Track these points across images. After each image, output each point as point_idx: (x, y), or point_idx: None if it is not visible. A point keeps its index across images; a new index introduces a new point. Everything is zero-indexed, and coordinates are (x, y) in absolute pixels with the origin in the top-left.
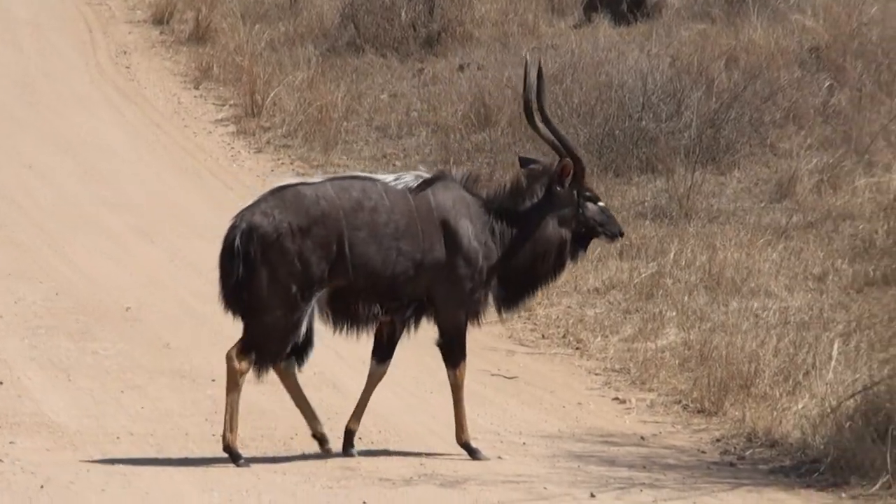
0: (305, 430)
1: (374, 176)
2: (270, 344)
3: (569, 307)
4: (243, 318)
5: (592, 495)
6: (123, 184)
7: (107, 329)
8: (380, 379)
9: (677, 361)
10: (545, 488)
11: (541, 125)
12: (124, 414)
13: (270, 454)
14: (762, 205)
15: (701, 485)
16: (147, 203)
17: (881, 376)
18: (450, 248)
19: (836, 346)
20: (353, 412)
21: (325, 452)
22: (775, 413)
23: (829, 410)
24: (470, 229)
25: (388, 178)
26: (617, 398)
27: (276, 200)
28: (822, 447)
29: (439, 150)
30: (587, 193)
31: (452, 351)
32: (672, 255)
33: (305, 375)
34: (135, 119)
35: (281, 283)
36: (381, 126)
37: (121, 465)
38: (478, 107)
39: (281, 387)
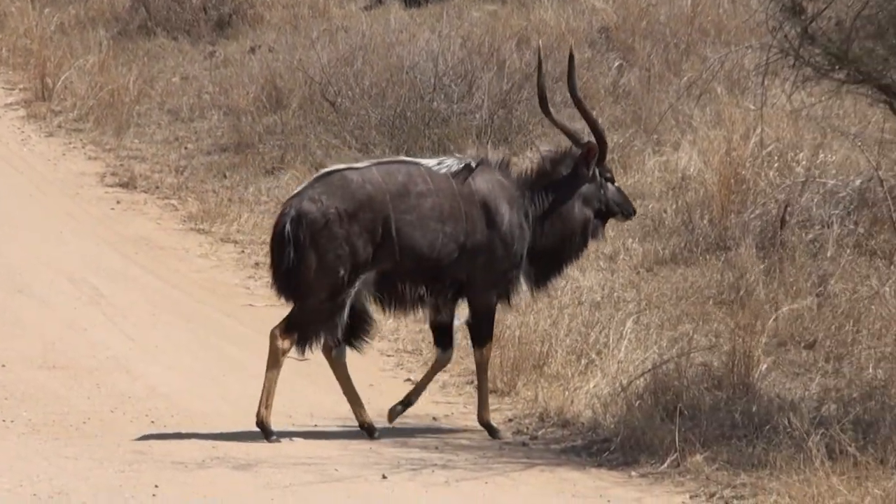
0: (98, 414)
1: (417, 160)
2: (313, 325)
3: None
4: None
5: (385, 477)
6: None
7: None
8: (444, 365)
9: (469, 342)
10: (337, 470)
11: (554, 113)
12: None
13: (62, 438)
14: None
15: (493, 465)
16: None
17: (670, 355)
18: (490, 231)
19: (627, 326)
20: (411, 391)
21: (373, 439)
22: (567, 393)
23: (619, 389)
24: (508, 212)
25: (431, 162)
26: (409, 379)
27: (323, 186)
28: (612, 426)
29: (231, 133)
30: (607, 174)
31: (481, 331)
32: None
33: (97, 360)
34: None
35: (329, 266)
36: (173, 109)
37: None
38: (269, 89)
39: (72, 371)
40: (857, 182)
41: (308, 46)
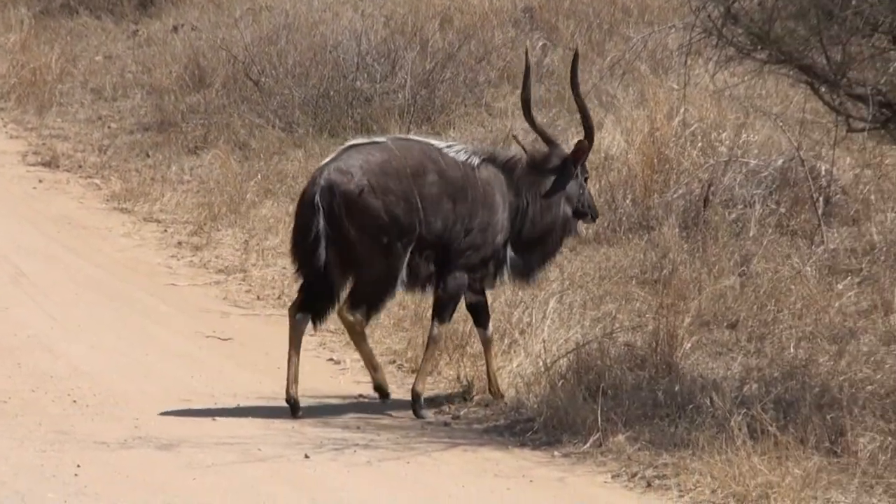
0: (19, 394)
1: (429, 140)
2: (375, 294)
3: (284, 268)
4: (314, 275)
5: (307, 456)
6: None
7: None
8: (491, 343)
9: (392, 321)
10: (260, 450)
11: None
12: None
13: None
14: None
15: (416, 444)
16: None
17: (593, 335)
18: (483, 218)
19: (550, 305)
20: (488, 380)
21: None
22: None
23: (542, 369)
24: (501, 206)
25: (441, 144)
26: (332, 359)
27: (352, 159)
28: (535, 406)
29: (154, 112)
30: (586, 175)
31: (447, 308)
32: None
33: (19, 338)
34: None
35: (373, 236)
36: (96, 88)
37: None
38: (192, 68)
39: None
40: (779, 162)
41: (231, 25)
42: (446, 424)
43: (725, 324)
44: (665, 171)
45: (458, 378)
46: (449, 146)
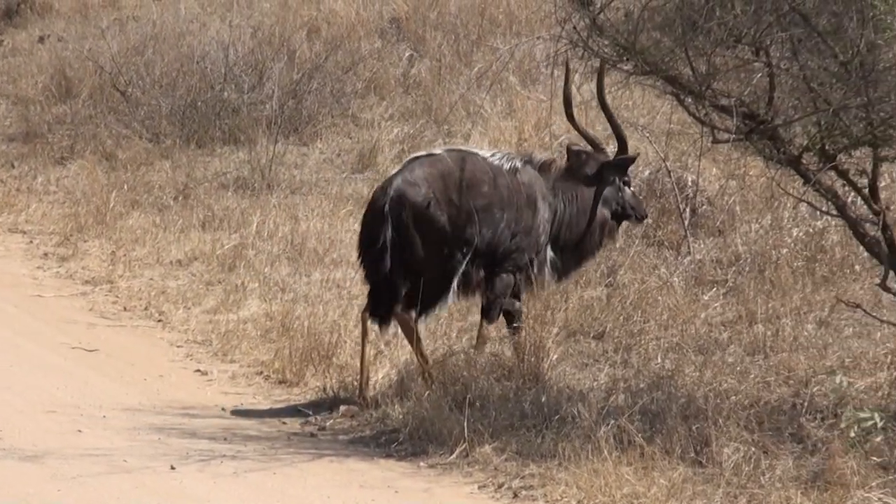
0: None
1: (475, 150)
2: (430, 298)
3: (151, 279)
4: (380, 280)
5: (173, 468)
6: None
7: None
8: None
9: (259, 333)
10: (125, 461)
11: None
12: None
13: None
14: (344, 175)
15: (282, 455)
16: None
17: (460, 345)
18: (528, 222)
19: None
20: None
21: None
22: (356, 383)
23: (409, 380)
24: (543, 208)
25: (486, 153)
26: (199, 370)
27: (419, 171)
28: (401, 417)
29: (20, 123)
30: (626, 178)
31: (495, 308)
32: (254, 226)
33: None
34: None
35: (435, 245)
36: None
37: None
38: (59, 79)
39: None
40: (646, 173)
41: (98, 36)
42: (312, 435)
43: (592, 334)
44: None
45: (325, 389)
46: (492, 154)
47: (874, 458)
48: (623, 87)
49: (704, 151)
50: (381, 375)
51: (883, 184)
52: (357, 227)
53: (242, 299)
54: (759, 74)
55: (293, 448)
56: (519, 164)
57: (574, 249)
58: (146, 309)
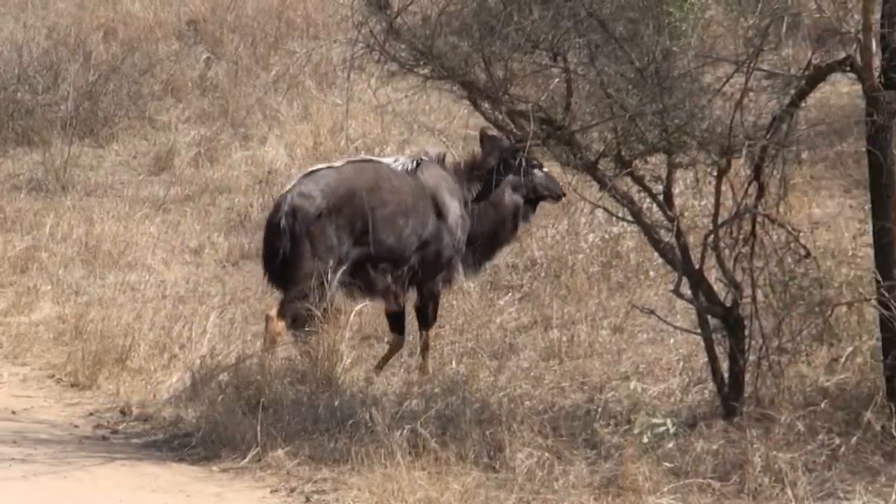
0: None
1: (377, 159)
2: (305, 307)
3: None
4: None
5: None
6: None
7: None
8: (400, 348)
9: (52, 335)
10: None
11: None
12: None
13: None
14: (140, 178)
15: (73, 459)
16: None
17: (254, 349)
18: (439, 222)
19: (211, 320)
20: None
21: None
22: (150, 387)
23: (202, 384)
24: (452, 203)
25: (389, 160)
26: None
27: (312, 184)
28: (194, 421)
29: None
30: (533, 161)
31: (428, 315)
32: (48, 228)
33: None
34: None
35: (320, 256)
36: None
37: None
38: None
39: None
40: None
41: None
42: (104, 439)
43: (387, 339)
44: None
45: (118, 392)
46: (395, 161)
47: (666, 464)
48: (420, 91)
49: None
50: (174, 378)
51: (677, 190)
52: (153, 230)
53: (35, 302)
54: (557, 80)
55: (85, 451)
56: (421, 164)
57: (487, 240)
58: None
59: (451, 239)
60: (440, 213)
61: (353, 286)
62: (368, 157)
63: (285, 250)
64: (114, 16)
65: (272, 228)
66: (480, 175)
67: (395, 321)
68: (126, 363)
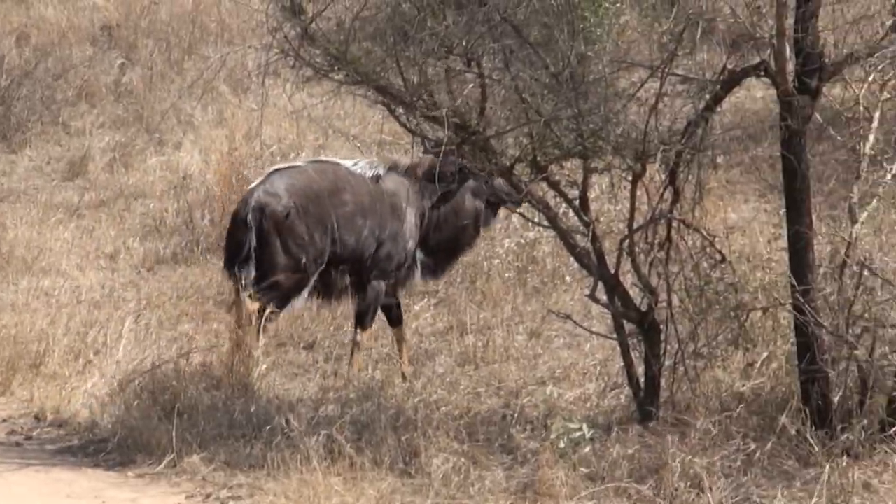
0: None
1: (337, 160)
2: (283, 297)
3: None
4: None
5: None
6: None
7: None
8: (404, 336)
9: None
10: None
11: None
12: None
13: None
14: (54, 183)
15: None
16: None
17: (169, 355)
18: (394, 227)
19: (126, 325)
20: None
21: None
22: (64, 392)
23: (117, 389)
24: (409, 212)
25: (348, 163)
26: None
27: (278, 182)
28: (110, 426)
29: None
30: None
31: (368, 316)
32: None
33: None
34: None
35: (292, 254)
36: None
37: None
38: None
39: None
40: None
41: None
42: (18, 445)
43: (302, 345)
44: (243, 191)
45: (32, 398)
46: (355, 164)
47: (583, 469)
48: (334, 96)
49: None
50: (89, 384)
51: (593, 195)
52: (67, 235)
53: None
54: (472, 85)
55: None
56: (382, 172)
57: (447, 246)
58: None
59: (404, 244)
60: (398, 216)
61: (314, 287)
62: (329, 158)
63: (251, 244)
64: (27, 20)
65: (237, 223)
66: (441, 184)
67: (392, 314)
68: (40, 369)
